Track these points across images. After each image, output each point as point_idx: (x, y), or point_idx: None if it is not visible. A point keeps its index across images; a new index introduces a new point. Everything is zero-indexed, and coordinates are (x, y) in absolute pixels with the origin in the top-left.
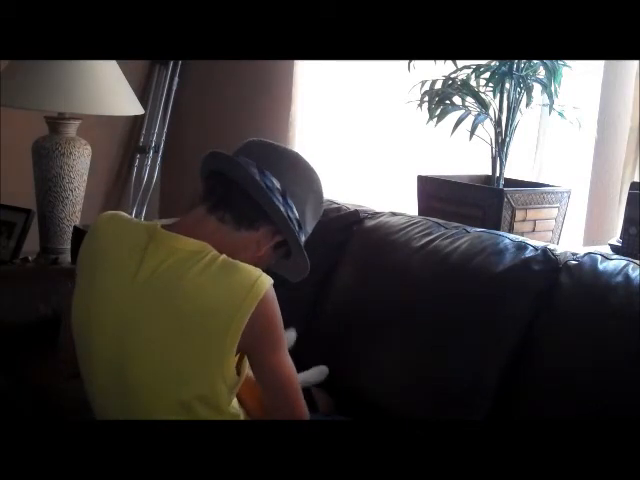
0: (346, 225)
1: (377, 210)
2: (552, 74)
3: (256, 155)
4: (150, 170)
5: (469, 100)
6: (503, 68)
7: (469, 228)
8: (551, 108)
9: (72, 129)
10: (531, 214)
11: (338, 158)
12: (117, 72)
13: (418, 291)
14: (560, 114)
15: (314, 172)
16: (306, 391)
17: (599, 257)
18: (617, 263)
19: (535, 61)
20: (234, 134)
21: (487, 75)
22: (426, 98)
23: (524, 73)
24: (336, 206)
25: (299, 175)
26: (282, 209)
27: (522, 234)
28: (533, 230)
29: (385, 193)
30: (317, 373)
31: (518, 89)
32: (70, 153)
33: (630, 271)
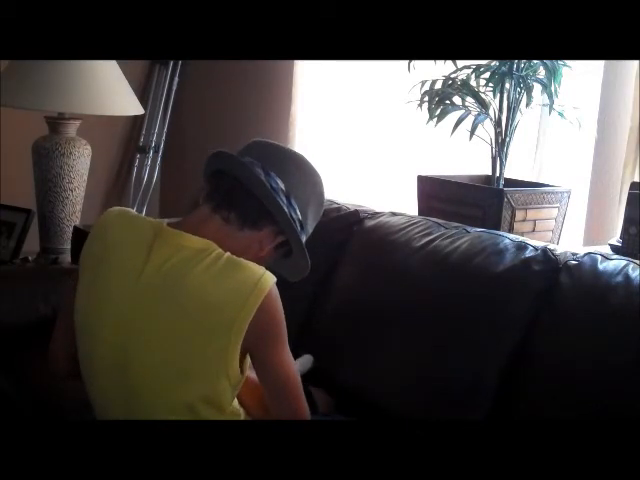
0: (346, 225)
1: (377, 210)
2: (552, 74)
3: (261, 155)
4: (150, 170)
5: (469, 100)
6: (503, 68)
7: (469, 228)
8: (551, 108)
9: (72, 129)
10: (531, 214)
11: (338, 158)
12: (117, 72)
13: (418, 291)
14: (560, 114)
15: (317, 175)
16: (306, 391)
17: (599, 257)
18: (617, 263)
19: (535, 61)
20: (234, 134)
21: (487, 75)
22: (426, 98)
23: (524, 73)
24: (336, 206)
25: (303, 177)
26: (286, 210)
27: (522, 234)
28: (533, 230)
29: (385, 193)
30: (305, 362)
31: (518, 89)
32: (70, 153)
33: (630, 271)
